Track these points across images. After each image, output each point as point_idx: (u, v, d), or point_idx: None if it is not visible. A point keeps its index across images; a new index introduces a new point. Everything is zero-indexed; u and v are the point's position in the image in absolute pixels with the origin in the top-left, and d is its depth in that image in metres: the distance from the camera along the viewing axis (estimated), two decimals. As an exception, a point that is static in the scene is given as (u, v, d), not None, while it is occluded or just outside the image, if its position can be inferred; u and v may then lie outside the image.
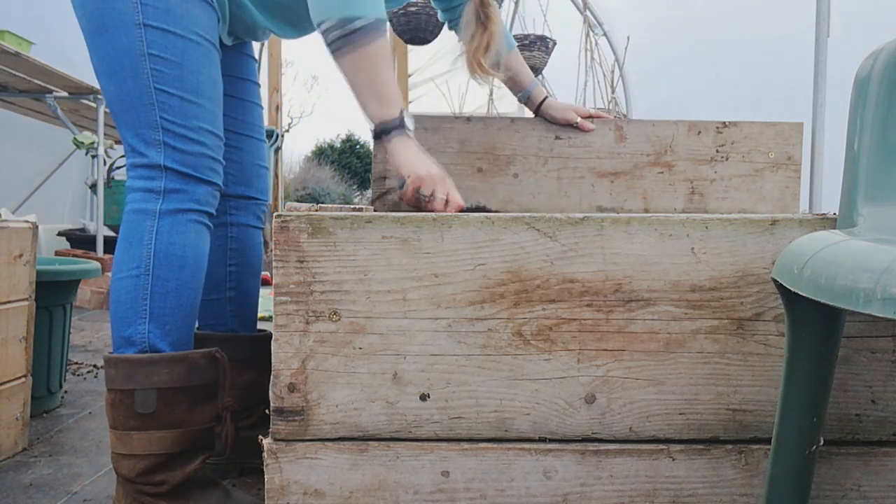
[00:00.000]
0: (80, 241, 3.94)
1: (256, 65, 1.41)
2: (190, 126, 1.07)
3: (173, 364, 1.04)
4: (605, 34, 4.09)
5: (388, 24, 1.05)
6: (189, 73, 1.07)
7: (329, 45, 1.06)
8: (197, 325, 1.37)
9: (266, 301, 1.61)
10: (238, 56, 1.33)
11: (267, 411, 1.35)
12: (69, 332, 1.86)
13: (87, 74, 3.46)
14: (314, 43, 1.31)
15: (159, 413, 1.03)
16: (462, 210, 1.10)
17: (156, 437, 1.03)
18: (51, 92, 3.37)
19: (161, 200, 1.06)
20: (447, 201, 1.08)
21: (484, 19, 1.35)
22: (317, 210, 0.91)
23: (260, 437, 0.92)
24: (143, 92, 1.05)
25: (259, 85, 1.42)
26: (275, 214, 0.87)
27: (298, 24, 1.25)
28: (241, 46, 1.34)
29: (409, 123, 1.10)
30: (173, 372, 1.03)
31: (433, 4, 1.54)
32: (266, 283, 3.45)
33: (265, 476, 0.89)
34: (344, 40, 1.04)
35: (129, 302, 1.06)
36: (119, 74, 1.06)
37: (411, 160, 1.10)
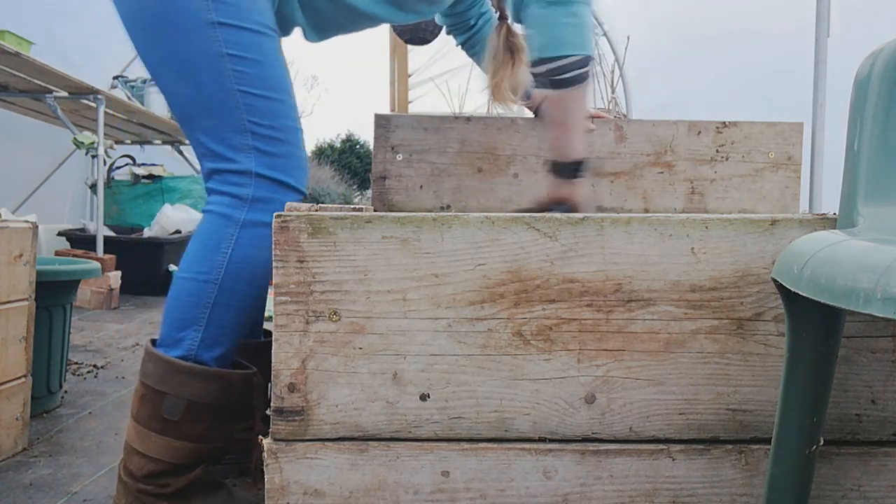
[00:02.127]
0: (80, 241, 3.94)
1: None
2: (277, 126, 1.04)
3: (210, 380, 1.02)
4: (604, 34, 4.08)
5: None
6: (269, 70, 1.03)
7: (564, 77, 1.06)
8: None
9: (268, 301, 1.61)
10: None
11: (267, 411, 1.35)
12: (69, 332, 1.86)
13: (87, 74, 3.47)
14: (315, 44, 1.31)
15: (182, 424, 1.02)
16: None
17: (172, 446, 1.02)
18: (51, 92, 3.37)
19: (247, 209, 1.03)
20: None
21: (514, 49, 1.35)
22: (317, 210, 0.91)
23: (260, 437, 0.92)
24: (226, 95, 1.00)
25: None
26: (275, 214, 0.87)
27: (326, 30, 1.25)
28: None
29: (587, 168, 1.17)
30: (208, 388, 1.02)
31: (443, 26, 1.54)
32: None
33: (265, 476, 0.89)
34: (583, 75, 1.06)
35: (189, 305, 1.03)
36: (195, 77, 1.01)
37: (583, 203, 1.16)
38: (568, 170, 1.12)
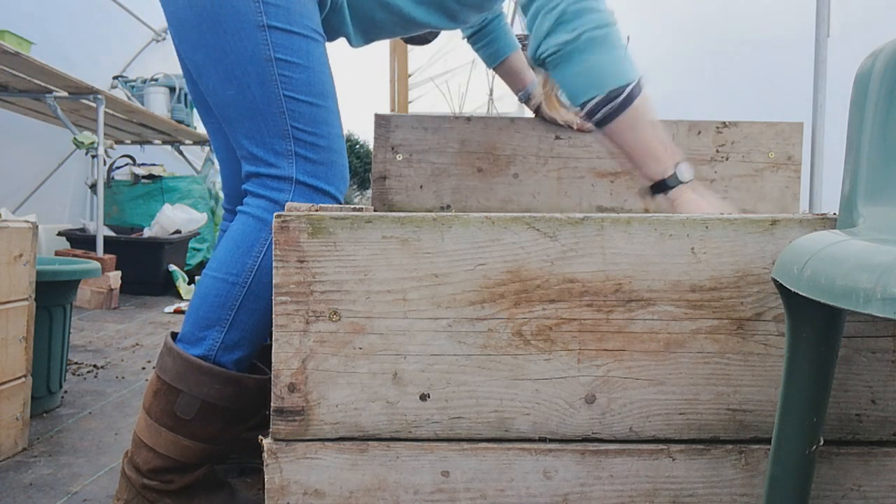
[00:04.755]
0: (80, 241, 3.94)
1: None
2: (321, 133, 1.03)
3: (226, 383, 1.02)
4: (605, 34, 4.08)
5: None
6: (315, 76, 1.03)
7: (597, 116, 1.04)
8: None
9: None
10: None
11: (267, 411, 1.35)
12: (69, 332, 1.86)
13: (87, 74, 3.47)
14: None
15: (194, 423, 1.02)
16: None
17: (182, 444, 1.02)
18: (51, 92, 3.37)
19: None
20: None
21: None
22: (317, 210, 0.91)
23: (260, 437, 0.92)
24: (271, 100, 1.00)
25: None
26: (275, 214, 0.87)
27: (373, 36, 1.25)
28: None
29: (687, 173, 1.08)
30: (223, 391, 1.02)
31: (476, 51, 1.55)
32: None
33: (265, 476, 0.89)
34: (616, 110, 1.02)
35: (216, 305, 1.03)
36: (241, 80, 1.00)
37: (694, 207, 1.07)
38: (657, 190, 1.09)
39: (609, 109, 1.03)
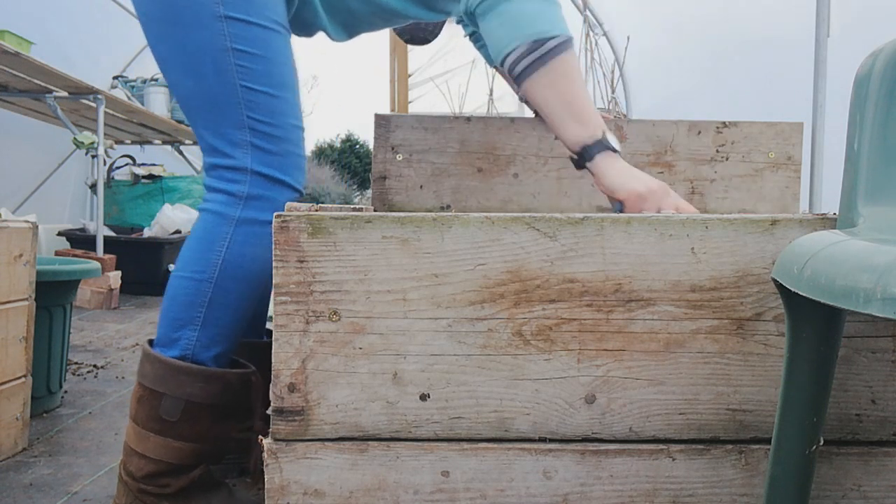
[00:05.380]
0: (80, 241, 3.94)
1: None
2: (278, 123, 1.03)
3: (208, 380, 1.02)
4: (605, 34, 4.08)
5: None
6: (274, 67, 1.02)
7: (519, 72, 1.00)
8: None
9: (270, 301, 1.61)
10: None
11: (267, 411, 1.35)
12: (69, 332, 1.86)
13: (87, 74, 3.47)
14: (315, 43, 1.31)
15: (180, 424, 1.02)
16: None
17: (171, 446, 1.02)
18: (51, 92, 3.37)
19: (242, 207, 1.03)
20: (679, 210, 1.00)
21: None
22: (317, 210, 0.91)
23: (260, 437, 0.92)
24: (227, 90, 1.00)
25: None
26: (275, 214, 0.87)
27: (355, 29, 1.24)
28: None
29: (613, 141, 1.02)
30: (206, 388, 1.02)
31: (478, 49, 1.53)
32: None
33: (265, 476, 0.89)
34: (537, 62, 0.98)
35: (186, 305, 1.03)
36: (199, 70, 1.00)
37: (625, 179, 1.00)
38: (579, 160, 1.03)
39: (530, 61, 0.98)
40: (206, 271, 1.03)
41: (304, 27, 1.20)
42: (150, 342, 1.07)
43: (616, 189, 1.01)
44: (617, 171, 1.00)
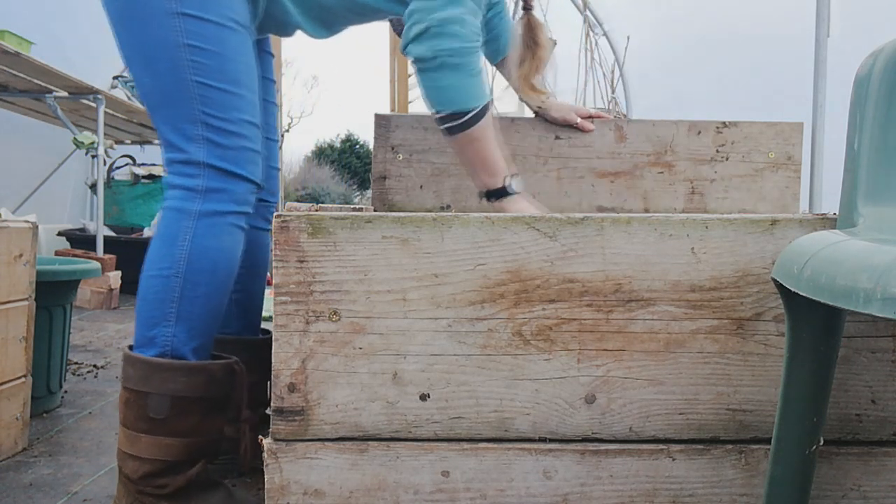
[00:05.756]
0: (80, 241, 3.94)
1: (273, 60, 1.39)
2: (231, 118, 1.05)
3: (192, 374, 1.03)
4: (605, 34, 4.08)
5: (491, 104, 1.20)
6: (228, 63, 1.04)
7: (442, 127, 1.15)
8: None
9: (267, 301, 1.61)
10: (258, 53, 1.32)
11: (267, 411, 1.35)
12: (69, 332, 1.86)
13: (87, 74, 3.47)
14: (315, 43, 1.31)
15: (170, 420, 1.02)
16: None
17: (164, 444, 1.02)
18: (51, 92, 3.37)
19: (201, 200, 1.04)
20: None
21: (532, 45, 1.38)
22: (317, 210, 0.91)
23: (260, 437, 0.92)
24: (181, 85, 1.02)
25: (275, 81, 1.40)
26: (275, 214, 0.87)
27: (333, 25, 1.25)
28: (261, 43, 1.32)
29: (516, 186, 1.18)
30: (190, 381, 1.02)
31: (487, 58, 1.56)
32: (268, 283, 3.45)
33: (265, 476, 0.89)
34: (456, 128, 1.13)
35: (158, 302, 1.04)
36: (155, 66, 1.03)
37: (521, 210, 1.17)
38: (489, 197, 1.19)
39: (451, 126, 1.13)
40: (173, 267, 1.04)
41: (280, 26, 1.22)
42: (130, 347, 1.08)
43: None
44: (515, 206, 1.18)
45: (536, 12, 1.40)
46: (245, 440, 1.09)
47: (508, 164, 1.20)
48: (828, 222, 0.86)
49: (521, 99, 1.54)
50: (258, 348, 1.31)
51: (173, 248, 1.04)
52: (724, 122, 1.53)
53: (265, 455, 0.89)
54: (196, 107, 1.03)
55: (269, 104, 1.34)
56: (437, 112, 1.14)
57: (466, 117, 1.12)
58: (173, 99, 1.03)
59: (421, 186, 1.56)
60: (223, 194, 1.05)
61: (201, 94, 1.03)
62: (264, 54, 1.33)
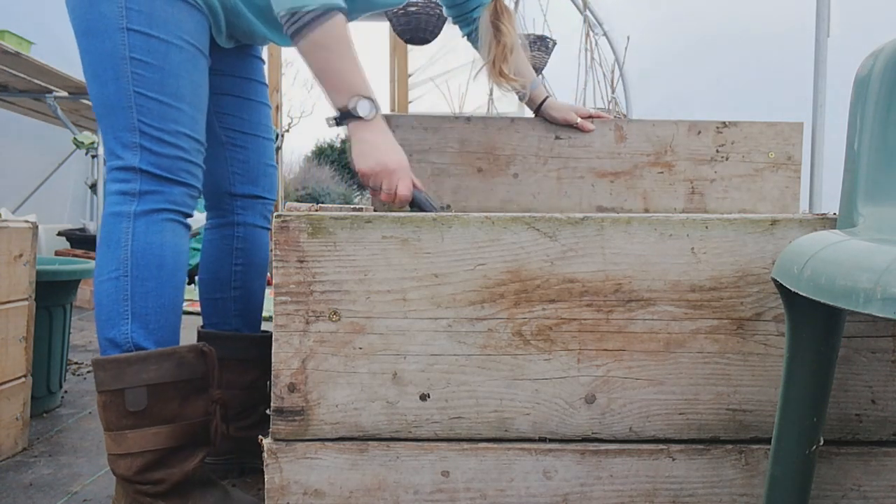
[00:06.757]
0: (80, 241, 3.93)
1: (264, 65, 1.41)
2: (167, 129, 1.08)
3: (161, 360, 1.04)
4: (605, 34, 4.08)
5: (344, 13, 1.09)
6: (170, 77, 1.08)
7: (287, 34, 1.08)
8: (202, 323, 1.37)
9: (268, 301, 1.61)
10: (244, 57, 1.33)
11: (267, 411, 1.35)
12: (69, 332, 1.86)
13: (87, 74, 3.46)
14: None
15: (151, 409, 1.03)
16: (411, 201, 1.12)
17: (150, 434, 1.03)
18: (51, 92, 3.37)
19: (136, 202, 1.07)
20: (396, 194, 1.09)
21: (495, 32, 1.38)
22: (317, 210, 0.91)
23: (260, 437, 0.92)
24: (122, 95, 1.06)
25: (266, 85, 1.41)
26: (275, 214, 0.87)
27: None
28: (248, 48, 1.34)
29: (364, 109, 1.08)
30: (161, 368, 1.04)
31: (450, 18, 1.55)
32: (269, 283, 3.44)
33: (265, 476, 0.89)
34: (296, 31, 1.06)
35: (111, 304, 1.06)
36: (102, 77, 1.07)
37: (358, 155, 1.09)
38: (339, 121, 1.11)
39: (291, 29, 1.06)
40: (120, 268, 1.07)
41: (249, 36, 1.24)
42: (97, 357, 1.09)
43: (354, 163, 1.10)
44: (357, 145, 1.08)
45: None
46: (215, 420, 1.10)
47: (367, 88, 1.10)
48: (828, 222, 0.86)
49: (496, 85, 1.51)
50: (256, 345, 1.32)
51: (117, 251, 1.07)
52: (724, 122, 1.53)
53: (265, 455, 0.89)
54: (133, 115, 1.07)
55: (259, 104, 1.36)
56: (278, 13, 1.08)
57: (306, 18, 1.05)
58: (114, 108, 1.07)
59: (421, 186, 1.55)
60: (158, 195, 1.08)
61: (139, 104, 1.06)
62: (251, 58, 1.35)
